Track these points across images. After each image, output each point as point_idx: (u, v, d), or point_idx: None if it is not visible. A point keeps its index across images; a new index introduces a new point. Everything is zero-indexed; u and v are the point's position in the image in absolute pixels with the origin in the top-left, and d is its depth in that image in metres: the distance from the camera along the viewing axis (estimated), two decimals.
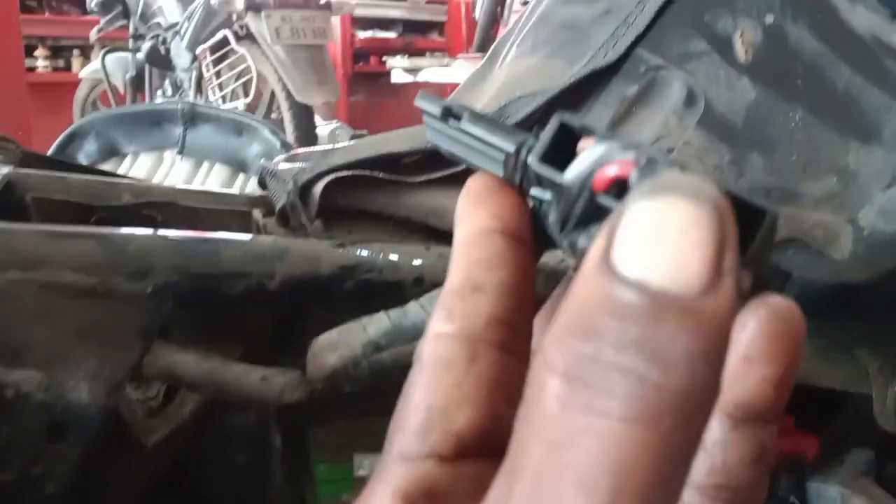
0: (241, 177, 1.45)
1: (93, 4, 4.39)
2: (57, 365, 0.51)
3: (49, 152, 1.44)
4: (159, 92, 4.30)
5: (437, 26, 6.19)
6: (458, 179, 0.72)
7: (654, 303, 0.19)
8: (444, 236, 0.68)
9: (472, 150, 0.26)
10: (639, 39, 0.75)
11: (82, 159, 1.42)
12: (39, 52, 5.70)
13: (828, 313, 0.69)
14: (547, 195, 0.24)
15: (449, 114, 0.26)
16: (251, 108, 3.57)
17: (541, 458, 0.19)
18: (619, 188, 0.21)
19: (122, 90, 4.37)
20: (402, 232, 0.66)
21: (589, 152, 0.22)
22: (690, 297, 0.19)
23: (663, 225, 0.19)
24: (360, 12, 5.48)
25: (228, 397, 0.58)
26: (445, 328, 0.24)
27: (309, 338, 0.66)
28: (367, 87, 5.85)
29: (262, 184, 0.78)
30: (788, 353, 0.24)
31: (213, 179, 1.43)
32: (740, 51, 0.73)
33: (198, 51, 3.96)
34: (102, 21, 4.40)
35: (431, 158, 0.70)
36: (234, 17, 3.74)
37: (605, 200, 0.22)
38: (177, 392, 0.63)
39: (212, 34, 3.84)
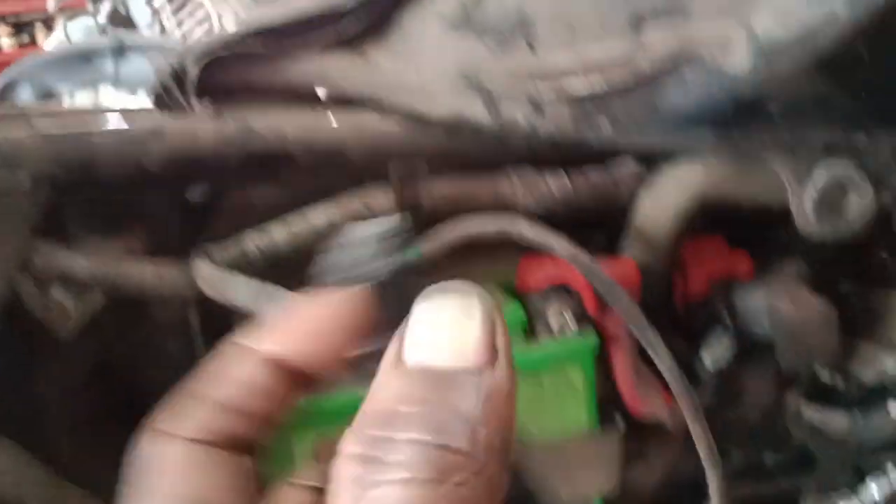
0: None
1: None
2: None
3: None
4: None
5: None
6: (350, 44, 0.71)
7: (437, 382, 0.22)
8: (335, 101, 0.67)
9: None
10: None
11: None
12: (2, 30, 5.62)
13: (733, 126, 0.68)
14: None
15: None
16: None
17: None
18: None
19: None
20: (289, 100, 0.65)
21: None
22: (469, 371, 0.22)
23: (440, 317, 0.22)
24: None
25: (126, 293, 0.59)
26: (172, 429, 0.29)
27: (219, 228, 0.67)
28: None
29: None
30: None
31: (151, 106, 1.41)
32: None
33: (156, 4, 3.89)
34: None
35: (316, 26, 0.68)
36: None
37: None
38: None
39: None
